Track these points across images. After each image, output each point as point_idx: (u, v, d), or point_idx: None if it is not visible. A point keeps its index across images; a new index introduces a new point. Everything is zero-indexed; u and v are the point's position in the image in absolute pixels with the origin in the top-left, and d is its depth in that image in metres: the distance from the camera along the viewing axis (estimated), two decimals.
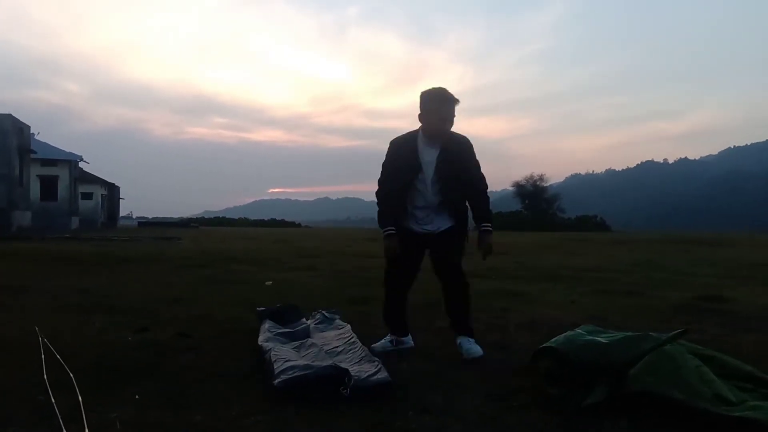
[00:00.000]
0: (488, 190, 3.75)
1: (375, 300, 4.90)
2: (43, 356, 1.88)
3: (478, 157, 3.72)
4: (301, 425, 2.44)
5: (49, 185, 36.85)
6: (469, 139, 3.68)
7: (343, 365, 2.96)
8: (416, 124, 3.67)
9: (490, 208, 3.75)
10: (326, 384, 2.77)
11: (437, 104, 3.53)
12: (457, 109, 3.54)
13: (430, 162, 3.56)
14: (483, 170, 3.73)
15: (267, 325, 4.03)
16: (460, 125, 4.02)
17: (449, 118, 3.54)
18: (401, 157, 3.62)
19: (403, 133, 3.74)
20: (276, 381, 2.81)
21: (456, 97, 3.52)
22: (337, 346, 3.55)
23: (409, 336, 3.90)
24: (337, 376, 2.80)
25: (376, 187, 3.77)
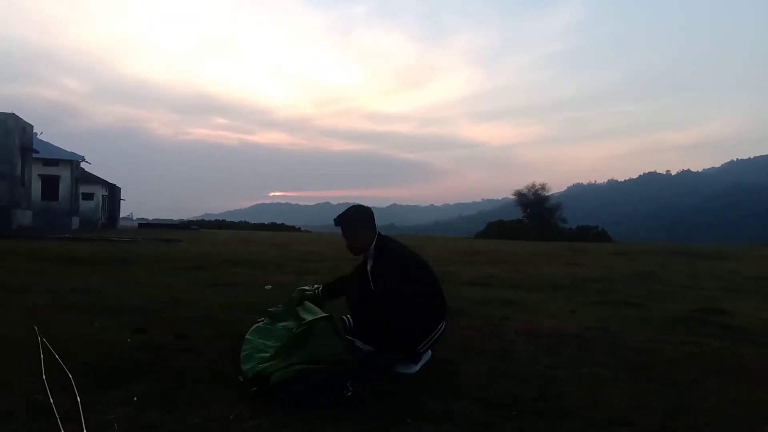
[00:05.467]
0: (387, 315, 3.35)
1: None
2: (41, 355, 1.88)
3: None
4: (299, 429, 2.44)
5: (50, 185, 36.89)
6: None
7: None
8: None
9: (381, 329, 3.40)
10: (328, 386, 2.78)
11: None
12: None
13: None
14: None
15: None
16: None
17: (348, 240, 3.63)
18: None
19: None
20: (275, 381, 2.79)
21: (343, 214, 3.63)
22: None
23: None
24: (339, 379, 2.80)
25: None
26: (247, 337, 3.57)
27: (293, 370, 2.82)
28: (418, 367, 3.44)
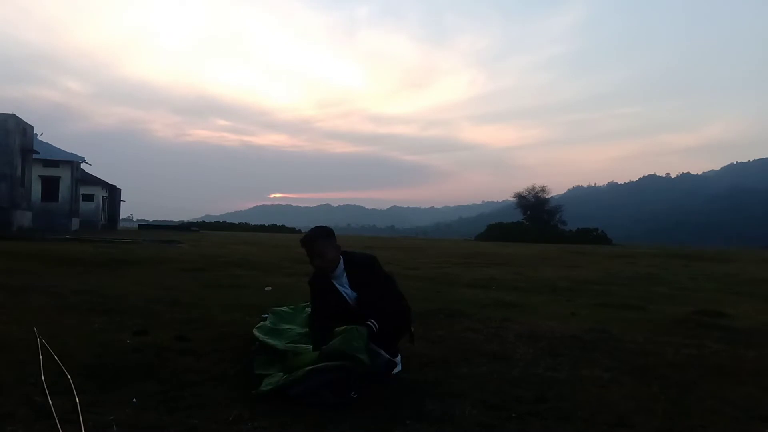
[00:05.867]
0: (403, 305, 3.52)
1: None
2: (40, 357, 1.88)
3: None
4: (299, 430, 2.44)
5: (50, 186, 36.90)
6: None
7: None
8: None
9: (394, 330, 3.44)
10: (334, 386, 2.79)
11: (305, 249, 3.60)
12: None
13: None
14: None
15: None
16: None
17: (318, 259, 3.55)
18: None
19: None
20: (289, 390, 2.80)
21: (312, 234, 3.57)
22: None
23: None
24: (347, 381, 2.81)
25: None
26: (259, 337, 3.60)
27: (303, 371, 2.84)
28: (399, 365, 3.42)
